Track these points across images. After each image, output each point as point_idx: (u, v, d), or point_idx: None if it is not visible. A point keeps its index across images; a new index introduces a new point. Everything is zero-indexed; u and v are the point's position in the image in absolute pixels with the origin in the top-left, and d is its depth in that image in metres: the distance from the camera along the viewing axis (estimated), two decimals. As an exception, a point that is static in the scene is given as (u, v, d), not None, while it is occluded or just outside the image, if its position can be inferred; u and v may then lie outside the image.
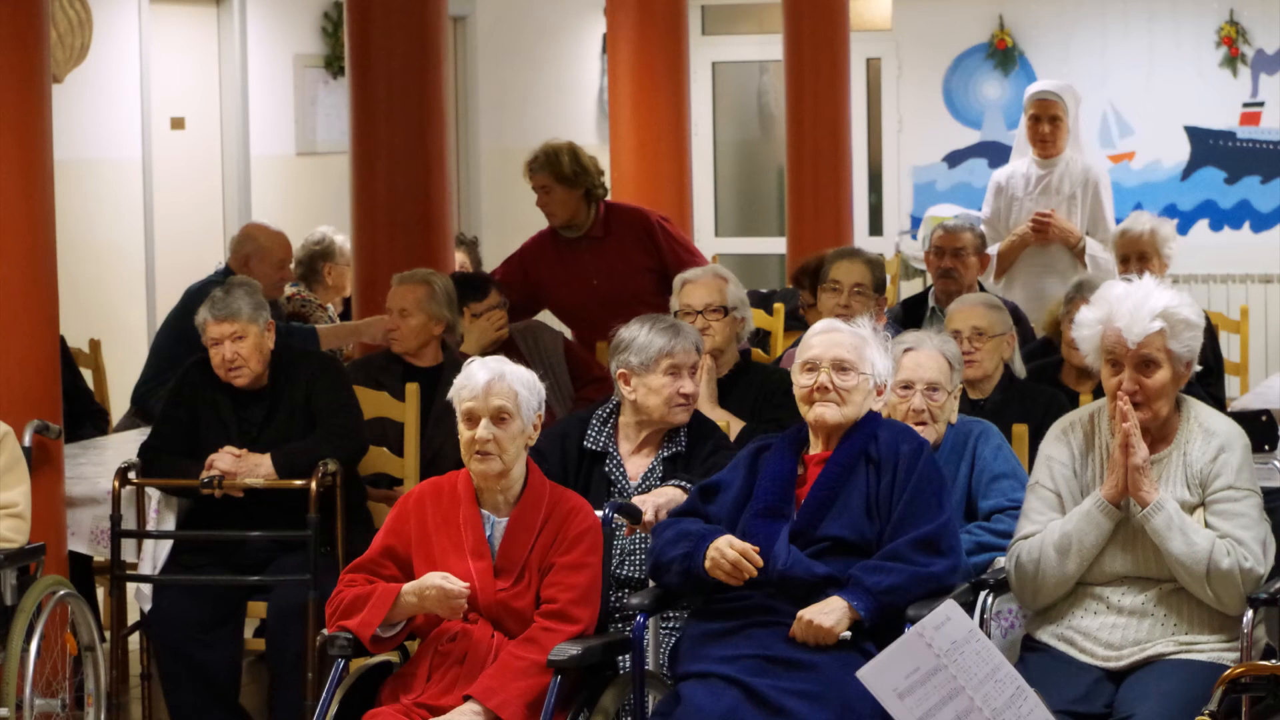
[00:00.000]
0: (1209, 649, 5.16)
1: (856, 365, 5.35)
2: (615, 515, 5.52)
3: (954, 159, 14.20)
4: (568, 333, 8.55)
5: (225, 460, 6.64)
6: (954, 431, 5.86)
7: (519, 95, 13.31)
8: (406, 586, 5.23)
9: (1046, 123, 9.32)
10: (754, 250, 14.78)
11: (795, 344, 6.00)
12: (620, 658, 5.45)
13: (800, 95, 11.08)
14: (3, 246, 6.66)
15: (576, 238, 8.42)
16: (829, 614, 5.10)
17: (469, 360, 5.46)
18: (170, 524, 6.81)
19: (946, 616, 4.82)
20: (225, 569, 6.67)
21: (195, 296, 7.78)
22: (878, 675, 4.80)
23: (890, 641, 4.87)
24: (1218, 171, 13.71)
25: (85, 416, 8.08)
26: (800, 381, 5.37)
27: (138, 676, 6.89)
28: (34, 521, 6.38)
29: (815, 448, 5.38)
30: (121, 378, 9.06)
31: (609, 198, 8.65)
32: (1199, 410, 5.32)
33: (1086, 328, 5.26)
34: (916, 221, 13.89)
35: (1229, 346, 9.75)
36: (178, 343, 8.07)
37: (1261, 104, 13.58)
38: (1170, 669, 5.12)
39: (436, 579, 5.20)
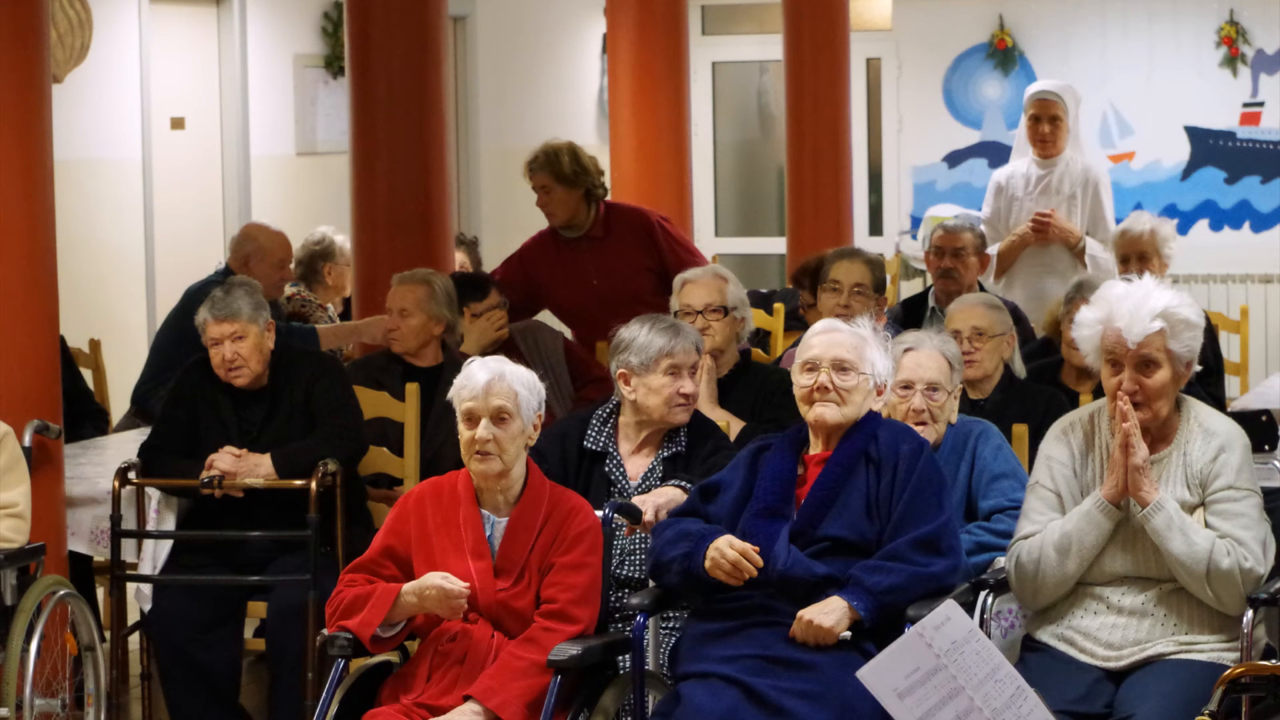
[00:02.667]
0: (1209, 649, 5.16)
1: (856, 365, 5.35)
2: (615, 515, 5.52)
3: (954, 159, 14.20)
4: (568, 333, 8.55)
5: (225, 460, 6.64)
6: (954, 431, 5.86)
7: (519, 95, 13.31)
8: (406, 586, 5.24)
9: (1046, 123, 9.32)
10: (754, 250, 14.77)
11: (795, 344, 6.00)
12: (620, 658, 5.45)
13: (800, 95, 11.08)
14: (3, 246, 6.66)
15: (576, 238, 8.42)
16: (829, 614, 5.10)
17: (469, 360, 5.46)
18: (170, 524, 6.81)
19: (946, 616, 4.82)
20: (225, 569, 6.67)
21: (195, 296, 7.77)
22: (878, 675, 4.80)
23: (890, 641, 4.87)
24: (1218, 171, 13.71)
25: (85, 416, 8.08)
26: (800, 381, 5.38)
27: (138, 676, 6.89)
28: (34, 521, 6.38)
29: (815, 448, 5.38)
30: (121, 378, 9.06)
31: (609, 198, 8.65)
32: (1199, 410, 5.32)
33: (1086, 328, 5.26)
34: (916, 221, 13.89)
35: (1229, 346, 9.75)
36: (178, 343, 8.07)
37: (1261, 104, 13.58)
38: (1170, 669, 5.12)
39: (436, 579, 5.20)
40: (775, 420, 6.35)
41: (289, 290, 9.20)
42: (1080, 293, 7.02)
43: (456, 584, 5.19)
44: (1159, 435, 5.26)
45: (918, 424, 5.72)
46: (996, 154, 13.51)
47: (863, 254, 7.68)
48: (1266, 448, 6.70)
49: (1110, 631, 5.21)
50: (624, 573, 5.79)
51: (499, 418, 5.30)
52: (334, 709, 5.22)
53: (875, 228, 14.47)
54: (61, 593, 6.32)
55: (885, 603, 5.12)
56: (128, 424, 8.38)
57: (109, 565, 6.88)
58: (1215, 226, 13.73)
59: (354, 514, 6.76)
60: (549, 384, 5.66)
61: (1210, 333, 8.02)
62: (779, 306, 9.67)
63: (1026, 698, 4.82)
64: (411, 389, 7.15)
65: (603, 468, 5.91)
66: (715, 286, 6.89)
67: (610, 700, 5.27)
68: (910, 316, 8.35)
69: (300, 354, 7.03)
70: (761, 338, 9.42)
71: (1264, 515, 5.23)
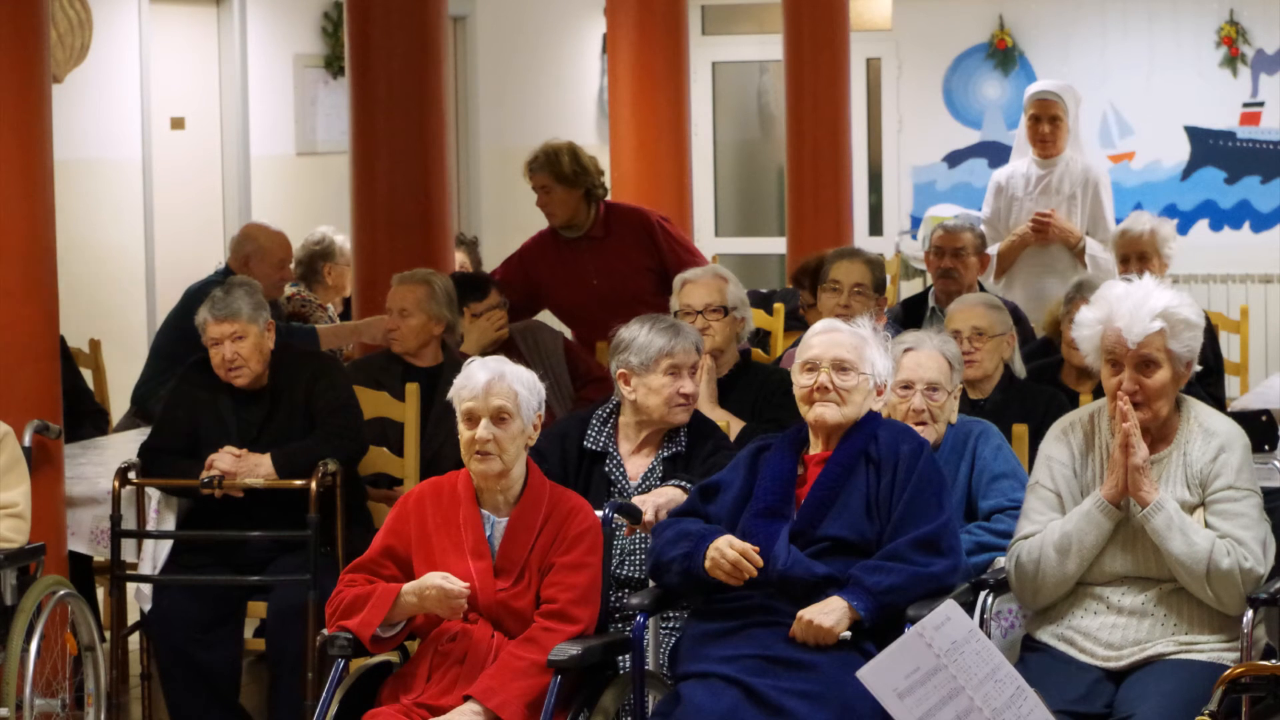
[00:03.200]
0: (1209, 649, 5.16)
1: (856, 365, 5.35)
2: (615, 515, 5.52)
3: (954, 159, 14.20)
4: (568, 333, 8.55)
5: (225, 460, 6.63)
6: (954, 431, 5.86)
7: (519, 95, 13.31)
8: (406, 586, 5.24)
9: (1046, 123, 9.32)
10: (754, 250, 14.78)
11: (795, 344, 6.00)
12: (620, 658, 5.45)
13: (800, 95, 11.08)
14: (3, 246, 6.66)
15: (576, 238, 8.42)
16: (829, 614, 5.10)
17: (469, 360, 5.46)
18: (170, 524, 6.81)
19: (946, 616, 4.82)
20: (225, 569, 6.67)
21: (195, 296, 7.78)
22: (878, 675, 4.80)
23: (890, 641, 4.87)
24: (1218, 171, 13.71)
25: (85, 416, 8.07)
26: (800, 381, 5.38)
27: (138, 676, 6.89)
28: (34, 521, 6.38)
29: (815, 448, 5.38)
30: (121, 378, 9.06)
31: (609, 198, 8.65)
32: (1199, 410, 5.32)
33: (1086, 328, 5.26)
34: (916, 221, 13.89)
35: (1229, 346, 9.75)
36: (178, 343, 8.07)
37: (1261, 104, 13.58)
38: (1170, 669, 5.12)
39: (436, 579, 5.20)
40: (775, 420, 6.35)
41: (289, 290, 9.21)
42: (1080, 293, 7.02)
43: (456, 584, 5.19)
44: (1159, 435, 5.26)
45: (918, 424, 5.72)
46: (996, 154, 13.51)
47: (863, 254, 7.68)
48: (1266, 448, 6.70)
49: (1110, 631, 5.21)
50: (624, 573, 5.79)
51: (499, 418, 5.30)
52: (334, 709, 5.22)
53: (875, 228, 14.47)
54: (61, 593, 6.32)
55: (885, 603, 5.12)
56: (128, 424, 8.38)
57: (109, 565, 6.88)
58: (1215, 226, 13.73)
59: (354, 514, 6.76)
60: (549, 384, 5.66)
61: (1210, 333, 8.02)
62: (779, 306, 9.67)
63: (1026, 698, 4.82)
64: (411, 389, 7.15)
65: (603, 468, 5.91)
66: (715, 286, 6.89)
67: (610, 700, 5.27)
68: (910, 316, 8.35)
69: (300, 354, 7.03)
70: (761, 338, 9.42)
71: (1264, 515, 5.23)
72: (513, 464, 5.33)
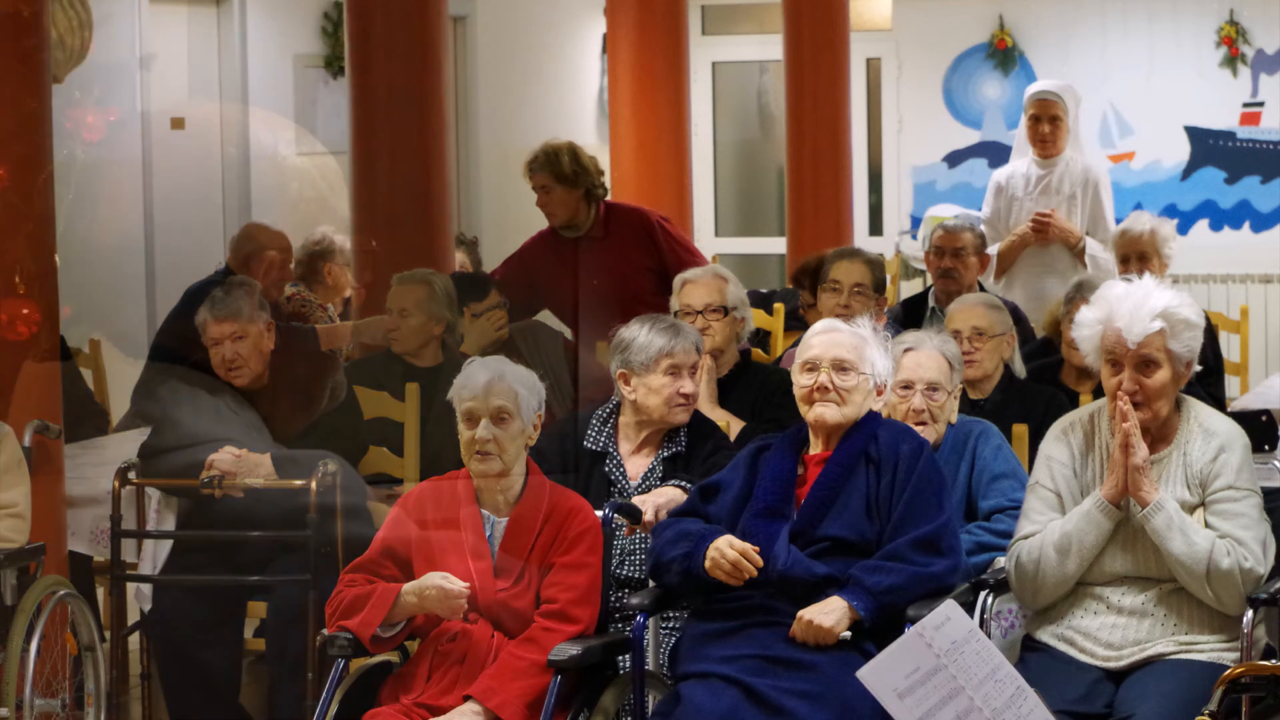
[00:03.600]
0: (1209, 649, 5.16)
1: (856, 365, 5.35)
2: (615, 515, 5.53)
3: (954, 159, 14.19)
4: (568, 333, 8.55)
5: (225, 460, 6.63)
6: (954, 431, 5.86)
7: (519, 95, 13.31)
8: (406, 586, 5.24)
9: (1046, 123, 9.32)
10: (754, 250, 14.77)
11: (795, 344, 6.00)
12: (620, 658, 5.45)
13: (800, 95, 11.08)
14: (3, 246, 6.65)
15: (576, 238, 8.42)
16: (829, 614, 5.10)
17: (469, 360, 5.46)
18: (170, 524, 6.81)
19: (946, 616, 4.83)
20: (225, 569, 6.66)
21: (195, 296, 7.77)
22: (878, 675, 4.80)
23: (890, 641, 4.87)
24: (1218, 171, 13.71)
25: (85, 416, 8.07)
26: (800, 381, 5.38)
27: (138, 676, 6.89)
28: (34, 521, 6.38)
29: (815, 448, 5.38)
30: (121, 378, 9.06)
31: (609, 198, 8.65)
32: (1199, 410, 5.33)
33: (1086, 328, 5.26)
34: (916, 221, 13.89)
35: (1229, 346, 9.75)
36: (178, 343, 8.06)
37: (1261, 104, 13.58)
38: (1170, 669, 5.12)
39: (436, 579, 5.20)
40: (775, 420, 6.35)
41: (289, 290, 9.20)
42: (1080, 293, 7.02)
43: (456, 584, 5.19)
44: (1159, 435, 5.27)
45: (918, 424, 5.72)
46: (996, 154, 13.51)
47: (863, 254, 7.68)
48: (1266, 448, 6.70)
49: (1110, 631, 5.21)
50: (624, 573, 5.79)
51: (499, 418, 5.30)
52: (334, 709, 5.22)
53: (875, 228, 14.46)
54: (61, 593, 6.31)
55: (885, 603, 5.12)
56: (128, 424, 8.38)
57: (109, 565, 6.88)
58: (1215, 226, 13.73)
59: (354, 514, 6.75)
60: (549, 384, 5.66)
61: (1210, 333, 8.02)
62: (779, 306, 9.67)
63: (1026, 698, 4.82)
64: (411, 389, 7.15)
65: (603, 468, 5.92)
66: (715, 286, 6.90)
67: (610, 700, 5.27)
68: (910, 316, 8.35)
69: (300, 354, 7.03)
70: (761, 338, 9.42)
71: (1264, 515, 5.23)
72: (513, 464, 5.34)
